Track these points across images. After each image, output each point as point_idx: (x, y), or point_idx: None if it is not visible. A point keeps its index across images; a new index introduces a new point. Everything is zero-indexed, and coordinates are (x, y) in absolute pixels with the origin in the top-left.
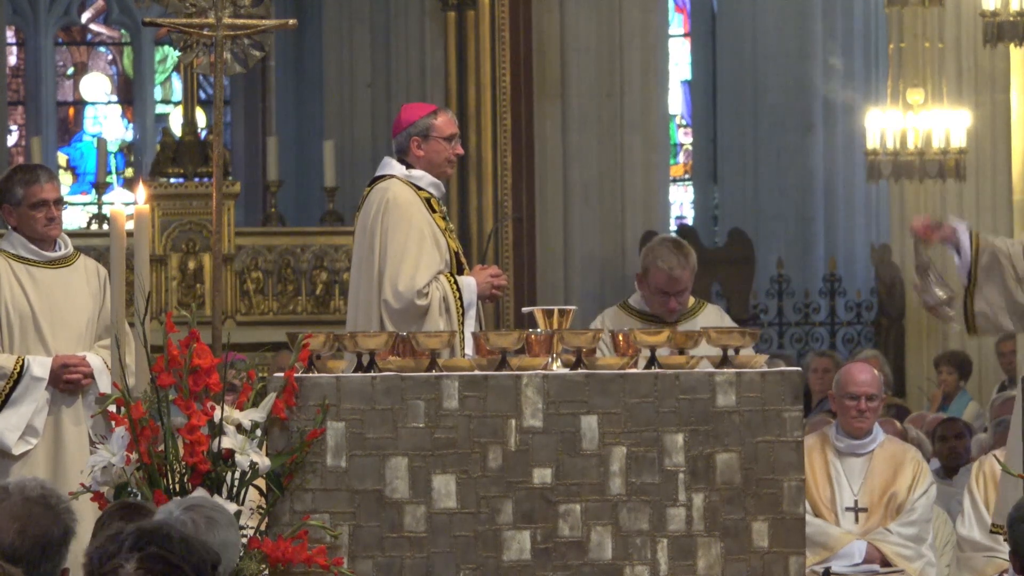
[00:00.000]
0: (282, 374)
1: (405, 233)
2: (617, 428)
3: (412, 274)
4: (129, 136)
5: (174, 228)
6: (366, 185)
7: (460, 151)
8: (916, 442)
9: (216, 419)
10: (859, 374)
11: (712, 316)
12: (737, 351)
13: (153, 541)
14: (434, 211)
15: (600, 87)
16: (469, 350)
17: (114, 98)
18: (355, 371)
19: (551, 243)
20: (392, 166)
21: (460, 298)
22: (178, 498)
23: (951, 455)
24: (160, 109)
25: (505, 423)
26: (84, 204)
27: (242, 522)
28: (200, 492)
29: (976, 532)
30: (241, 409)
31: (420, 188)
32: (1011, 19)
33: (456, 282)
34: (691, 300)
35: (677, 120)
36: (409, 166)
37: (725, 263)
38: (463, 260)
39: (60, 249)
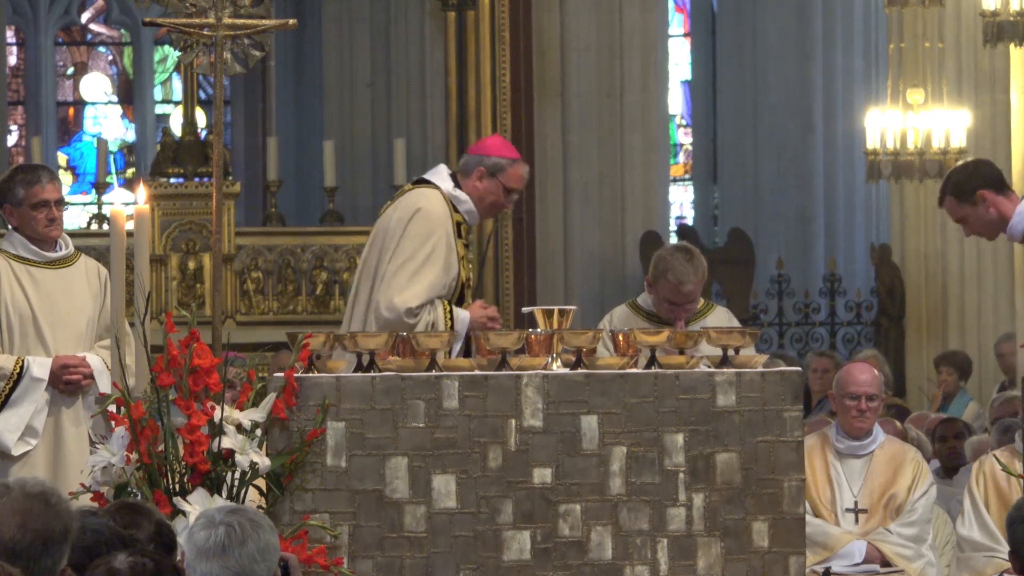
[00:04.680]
0: (282, 374)
1: (420, 246)
2: (617, 428)
3: (410, 291)
4: (129, 136)
5: (174, 228)
6: (408, 182)
7: (509, 207)
8: (916, 442)
9: (216, 419)
10: (859, 374)
11: (720, 318)
12: (737, 351)
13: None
14: (459, 236)
15: (600, 87)
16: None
17: (114, 98)
18: (355, 371)
19: (551, 243)
20: (443, 177)
21: (452, 328)
22: (220, 502)
23: (951, 455)
24: (160, 109)
25: (505, 423)
26: (84, 204)
27: None
28: (200, 492)
29: (976, 532)
30: (241, 409)
31: (456, 210)
32: (1011, 19)
33: (451, 311)
34: (700, 302)
35: (677, 120)
36: (458, 186)
37: (725, 263)
38: (467, 293)
39: (61, 249)
